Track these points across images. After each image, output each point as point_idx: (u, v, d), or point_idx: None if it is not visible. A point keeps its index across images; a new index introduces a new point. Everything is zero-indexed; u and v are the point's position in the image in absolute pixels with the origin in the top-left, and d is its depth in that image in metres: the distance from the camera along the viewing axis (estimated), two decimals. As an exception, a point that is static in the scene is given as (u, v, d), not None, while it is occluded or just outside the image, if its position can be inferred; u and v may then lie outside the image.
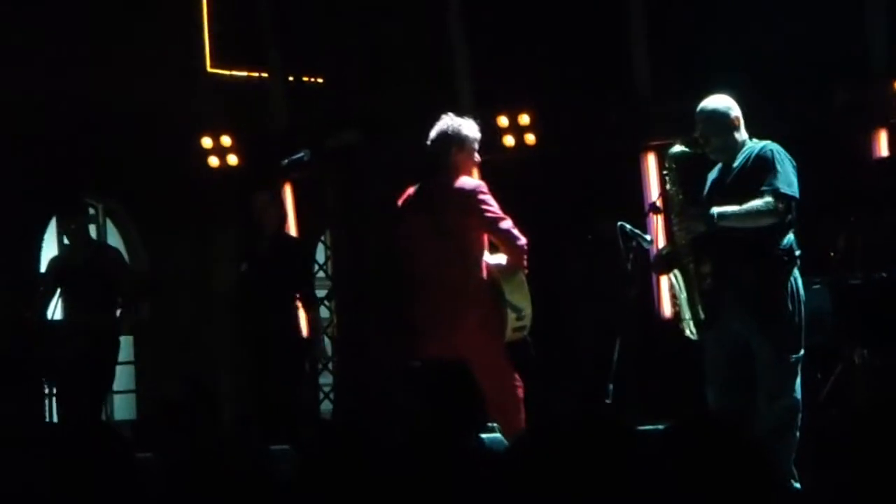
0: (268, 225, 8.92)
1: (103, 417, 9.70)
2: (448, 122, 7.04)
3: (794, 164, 6.48)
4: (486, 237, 6.97)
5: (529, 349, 7.00)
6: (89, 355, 9.08)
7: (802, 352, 6.45)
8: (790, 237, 6.47)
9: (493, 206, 6.86)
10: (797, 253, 6.49)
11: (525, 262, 6.86)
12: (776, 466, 2.87)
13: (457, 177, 6.90)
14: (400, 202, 7.16)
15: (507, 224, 6.85)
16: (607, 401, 6.86)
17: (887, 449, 2.82)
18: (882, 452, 2.82)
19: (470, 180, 6.92)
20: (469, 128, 7.04)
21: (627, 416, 7.08)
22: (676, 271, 6.57)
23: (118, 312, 9.32)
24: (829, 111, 9.88)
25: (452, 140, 6.97)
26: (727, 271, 6.49)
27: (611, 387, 6.87)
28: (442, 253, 6.94)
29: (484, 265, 6.92)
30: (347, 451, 3.14)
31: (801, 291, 6.47)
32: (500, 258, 6.95)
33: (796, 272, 6.48)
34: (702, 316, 6.50)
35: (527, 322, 6.86)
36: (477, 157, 7.05)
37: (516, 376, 6.83)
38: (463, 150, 6.99)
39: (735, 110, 6.60)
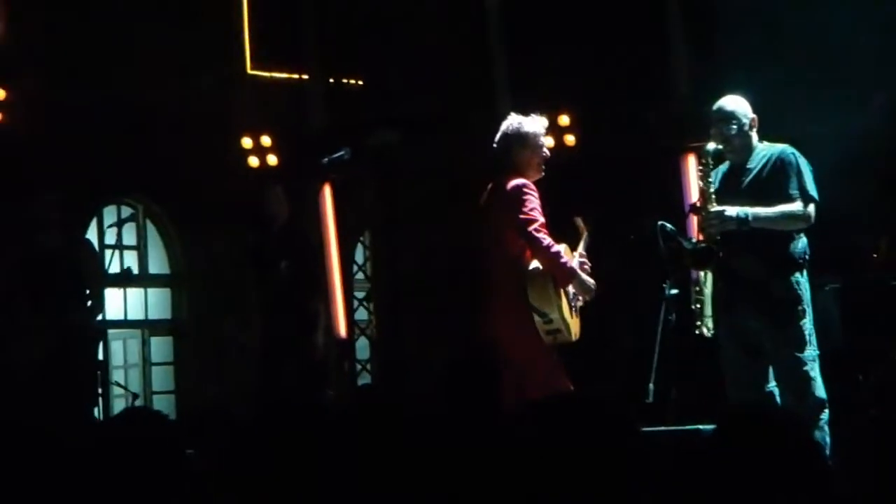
0: (279, 219, 8.92)
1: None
2: (510, 121, 7.04)
3: (811, 167, 6.58)
4: None
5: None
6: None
7: (817, 351, 6.50)
8: (804, 239, 6.59)
9: (528, 207, 6.76)
10: (807, 255, 6.56)
11: (556, 267, 6.76)
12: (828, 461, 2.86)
13: (518, 176, 6.89)
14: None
15: (534, 227, 6.74)
16: (648, 400, 6.85)
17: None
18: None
19: (517, 180, 6.88)
20: (531, 124, 7.02)
21: (669, 416, 7.07)
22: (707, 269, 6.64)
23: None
24: (870, 109, 9.83)
25: (512, 139, 6.96)
26: (740, 269, 6.57)
27: (651, 386, 6.87)
28: (492, 253, 6.95)
29: (528, 267, 6.88)
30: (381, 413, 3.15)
31: (808, 292, 6.56)
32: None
33: (805, 273, 6.57)
34: (717, 313, 6.60)
35: (558, 326, 6.78)
36: (545, 152, 7.02)
37: (565, 381, 6.76)
38: (525, 147, 6.97)
39: (751, 111, 6.69)
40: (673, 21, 10.73)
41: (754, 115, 6.72)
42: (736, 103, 6.74)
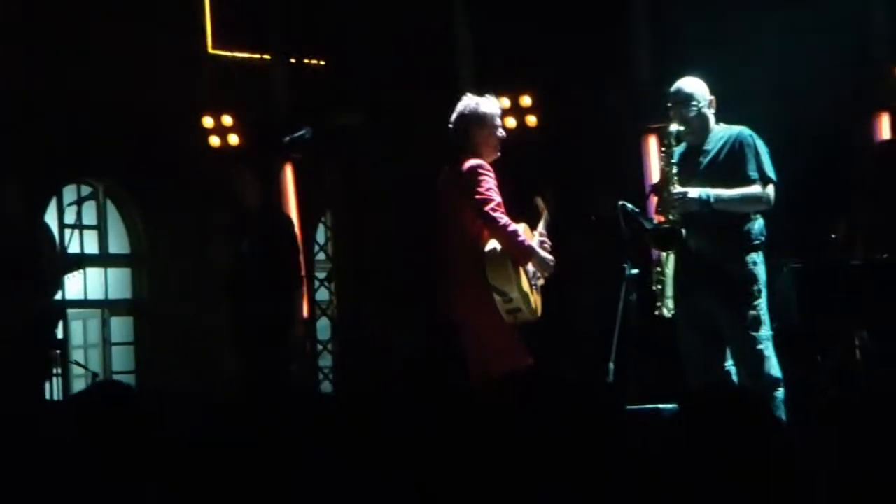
0: (250, 201, 8.88)
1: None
2: (466, 101, 7.02)
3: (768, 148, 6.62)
4: None
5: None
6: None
7: (771, 332, 6.55)
8: (761, 220, 6.62)
9: (484, 188, 6.74)
10: (764, 236, 6.59)
11: (514, 245, 6.77)
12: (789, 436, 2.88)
13: (474, 156, 6.88)
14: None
15: (491, 206, 6.72)
16: (608, 380, 6.87)
17: (884, 431, 2.83)
18: (879, 435, 2.83)
19: (472, 161, 6.87)
20: (487, 105, 7.01)
21: (629, 396, 7.10)
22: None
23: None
24: (832, 95, 9.90)
25: (470, 119, 6.95)
26: (697, 250, 6.61)
27: (611, 366, 6.89)
28: (449, 234, 6.95)
29: (486, 247, 6.89)
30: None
31: (764, 273, 6.59)
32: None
33: (762, 254, 6.61)
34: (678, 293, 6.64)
35: (518, 305, 6.79)
36: (501, 132, 7.01)
37: (527, 359, 6.78)
38: (483, 128, 6.95)
39: (708, 93, 6.73)
40: (635, 3, 10.76)
41: (712, 97, 6.73)
42: (694, 85, 6.75)
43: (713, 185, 6.55)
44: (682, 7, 10.31)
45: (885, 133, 9.94)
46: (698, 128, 6.70)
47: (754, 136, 6.63)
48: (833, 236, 8.61)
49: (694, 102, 6.68)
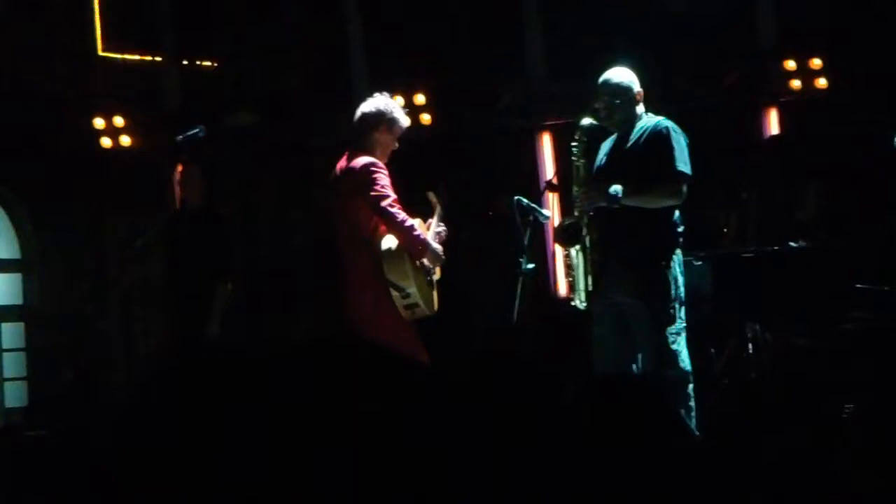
0: (193, 199, 8.82)
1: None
2: (385, 101, 7.00)
3: (687, 140, 6.56)
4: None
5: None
6: None
7: (683, 325, 6.50)
8: (676, 214, 6.56)
9: (379, 184, 6.75)
10: (680, 229, 6.56)
11: (410, 239, 6.77)
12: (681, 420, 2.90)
13: (367, 154, 6.85)
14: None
15: (388, 202, 6.74)
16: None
17: (779, 419, 2.87)
18: (774, 423, 2.87)
19: (363, 158, 6.85)
20: (395, 108, 7.02)
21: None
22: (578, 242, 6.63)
23: None
24: (719, 89, 10.02)
25: (385, 118, 6.94)
26: (612, 243, 6.57)
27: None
28: (344, 231, 6.93)
29: (382, 244, 6.87)
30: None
31: (681, 267, 6.55)
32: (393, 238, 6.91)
33: (678, 250, 6.57)
34: (590, 287, 6.59)
35: (416, 300, 6.80)
36: (397, 144, 7.00)
37: (425, 355, 6.77)
38: (390, 131, 6.95)
39: (637, 84, 6.66)
40: (527, 1, 10.81)
41: (640, 90, 6.64)
42: (621, 75, 6.66)
43: (628, 177, 6.44)
44: (573, 2, 10.40)
45: (773, 128, 10.08)
46: (621, 120, 6.63)
47: (671, 127, 6.52)
48: (724, 229, 8.71)
49: (619, 93, 6.59)
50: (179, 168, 8.96)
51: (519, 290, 6.91)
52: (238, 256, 9.35)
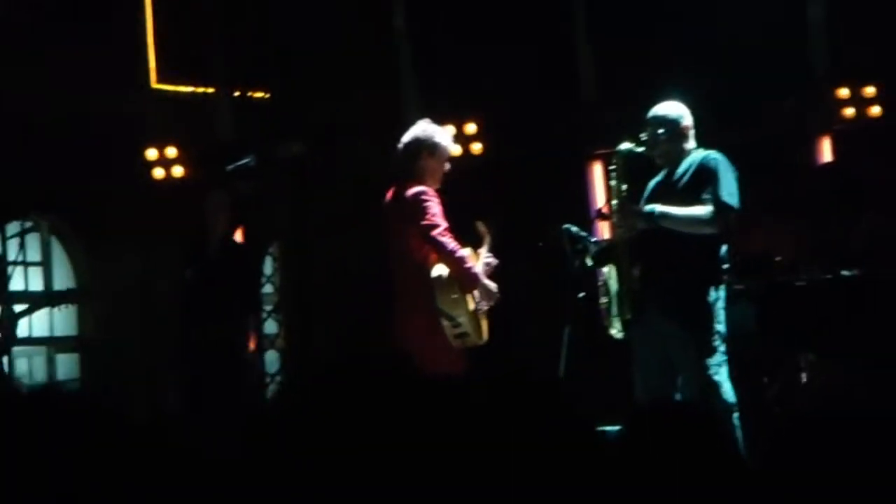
0: (218, 228, 8.83)
1: None
2: (424, 126, 7.02)
3: (737, 174, 6.54)
4: None
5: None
6: None
7: (724, 358, 6.46)
8: (722, 248, 6.54)
9: (430, 213, 6.77)
10: (726, 265, 6.53)
11: (461, 271, 6.77)
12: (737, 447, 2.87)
13: (418, 183, 6.87)
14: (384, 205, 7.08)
15: (438, 231, 6.75)
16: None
17: (829, 451, 2.83)
18: (824, 455, 2.83)
19: (417, 187, 6.87)
20: (443, 136, 7.03)
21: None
22: (612, 266, 6.64)
23: None
24: (773, 118, 9.96)
25: (425, 145, 6.95)
26: (655, 274, 6.54)
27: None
28: (397, 260, 6.96)
29: (433, 272, 6.88)
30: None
31: (724, 301, 6.52)
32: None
33: (722, 284, 6.54)
34: (628, 315, 6.57)
35: (466, 329, 6.80)
36: (447, 166, 7.01)
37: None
38: (434, 156, 6.96)
39: (687, 119, 6.67)
40: (580, 28, 10.80)
41: (688, 123, 6.67)
42: (668, 108, 6.71)
43: (679, 207, 6.49)
44: (628, 31, 10.37)
45: (826, 156, 10.01)
46: (666, 152, 6.66)
47: (719, 160, 6.54)
48: (778, 258, 8.64)
49: (664, 125, 6.64)
50: (212, 195, 8.96)
51: (570, 320, 6.90)
52: (258, 286, 9.30)
